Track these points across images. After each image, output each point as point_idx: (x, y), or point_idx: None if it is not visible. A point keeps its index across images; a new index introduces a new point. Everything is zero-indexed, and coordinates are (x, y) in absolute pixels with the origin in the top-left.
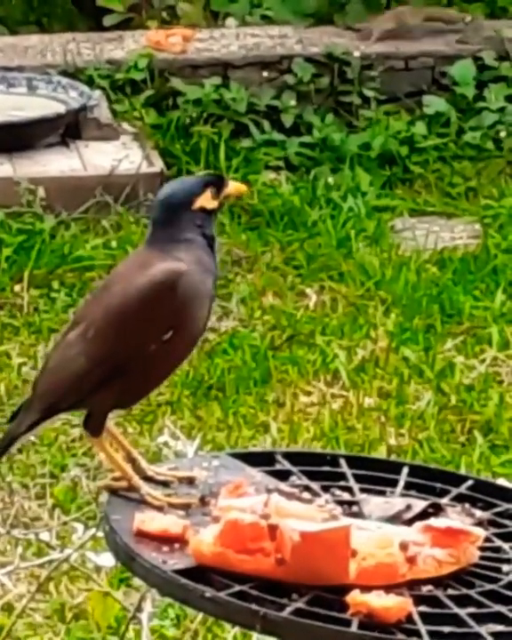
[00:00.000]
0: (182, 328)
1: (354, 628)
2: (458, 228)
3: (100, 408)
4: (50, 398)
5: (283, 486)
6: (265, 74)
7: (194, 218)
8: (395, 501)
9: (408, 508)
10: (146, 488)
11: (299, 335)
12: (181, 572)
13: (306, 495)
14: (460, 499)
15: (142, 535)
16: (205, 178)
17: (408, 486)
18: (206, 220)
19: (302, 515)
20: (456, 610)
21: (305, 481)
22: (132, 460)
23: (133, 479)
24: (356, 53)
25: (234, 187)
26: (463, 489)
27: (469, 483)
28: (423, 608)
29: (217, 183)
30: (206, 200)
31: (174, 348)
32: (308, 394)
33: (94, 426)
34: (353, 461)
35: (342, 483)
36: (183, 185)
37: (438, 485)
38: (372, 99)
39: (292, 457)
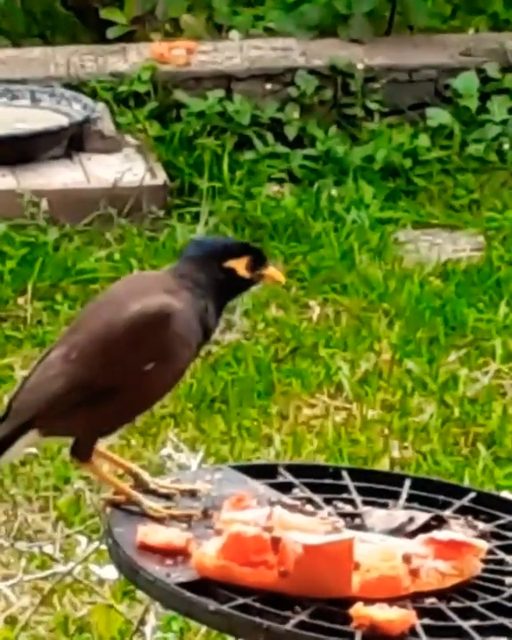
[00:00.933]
0: (164, 362)
1: None
2: (461, 241)
3: (84, 435)
4: (25, 415)
5: (285, 499)
6: (268, 86)
7: (218, 273)
8: (397, 514)
9: (411, 520)
10: (146, 502)
11: (302, 347)
12: (185, 585)
13: (309, 508)
14: (462, 511)
15: (145, 548)
16: (249, 246)
17: (410, 499)
18: (231, 282)
19: (305, 527)
20: (459, 622)
21: (308, 493)
22: (134, 475)
23: (131, 495)
24: (360, 66)
25: (273, 271)
26: (466, 501)
27: (472, 495)
28: (426, 620)
29: (257, 256)
30: (240, 265)
31: (154, 380)
32: (312, 406)
33: (82, 453)
34: (355, 474)
35: (345, 495)
36: (227, 241)
37: (441, 498)
38: (376, 111)
39: (295, 469)
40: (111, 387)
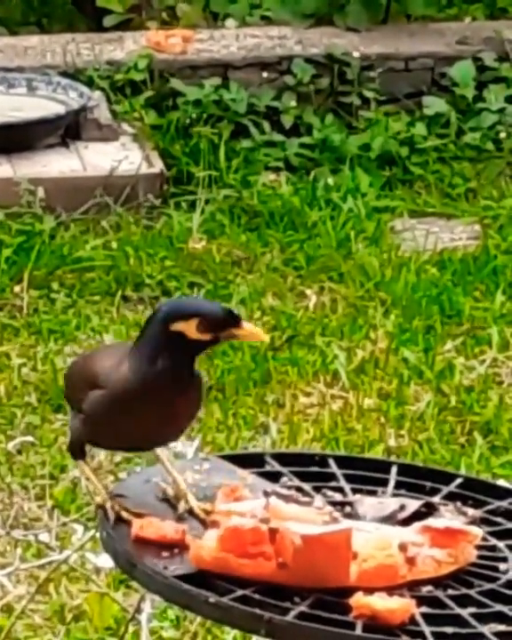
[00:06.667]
0: (89, 420)
1: (358, 630)
2: (457, 229)
3: (73, 435)
4: None
5: (280, 489)
6: (265, 75)
7: (166, 338)
8: (388, 501)
9: (402, 507)
10: (113, 509)
11: (298, 336)
12: (182, 578)
13: (305, 498)
14: (450, 497)
15: (141, 541)
16: (209, 309)
17: (398, 485)
18: (183, 346)
19: (301, 518)
20: (458, 610)
21: (296, 482)
22: (181, 496)
23: (107, 503)
24: (356, 54)
25: (249, 331)
26: (453, 487)
27: (459, 480)
28: (424, 609)
29: (221, 321)
30: (189, 329)
31: (83, 427)
32: (308, 395)
33: (72, 450)
34: (342, 461)
35: (333, 483)
36: (180, 304)
37: (428, 484)
38: (372, 99)
39: (281, 458)
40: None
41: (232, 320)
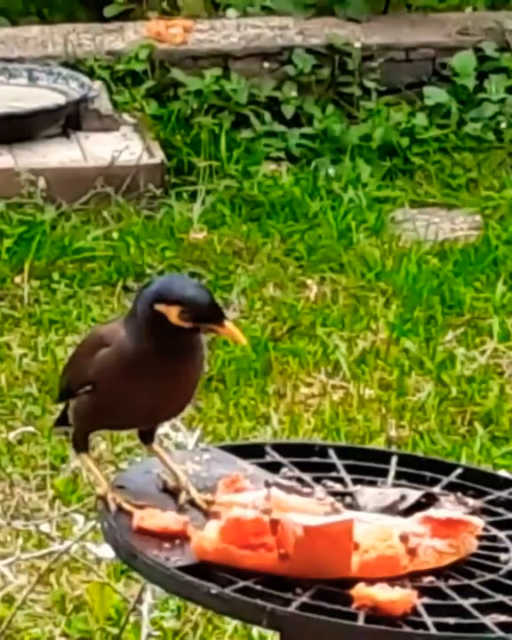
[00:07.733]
0: (97, 387)
1: (361, 621)
2: (458, 220)
3: (75, 427)
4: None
5: (281, 480)
6: (266, 65)
7: (150, 315)
8: (389, 492)
9: (402, 498)
10: (114, 501)
11: (299, 326)
12: (184, 569)
13: (306, 489)
14: (450, 487)
15: (142, 532)
16: (193, 300)
17: (398, 476)
18: (165, 326)
19: (303, 509)
20: (459, 601)
21: (296, 473)
22: (176, 479)
23: (108, 494)
24: (357, 44)
25: (229, 331)
26: (453, 477)
27: (458, 471)
28: (426, 599)
29: (203, 314)
30: (171, 314)
31: (90, 403)
32: (309, 385)
33: (75, 443)
34: (342, 451)
35: (334, 474)
36: (169, 287)
37: (428, 474)
38: (373, 90)
39: (282, 448)
40: (71, 393)
41: (215, 316)
